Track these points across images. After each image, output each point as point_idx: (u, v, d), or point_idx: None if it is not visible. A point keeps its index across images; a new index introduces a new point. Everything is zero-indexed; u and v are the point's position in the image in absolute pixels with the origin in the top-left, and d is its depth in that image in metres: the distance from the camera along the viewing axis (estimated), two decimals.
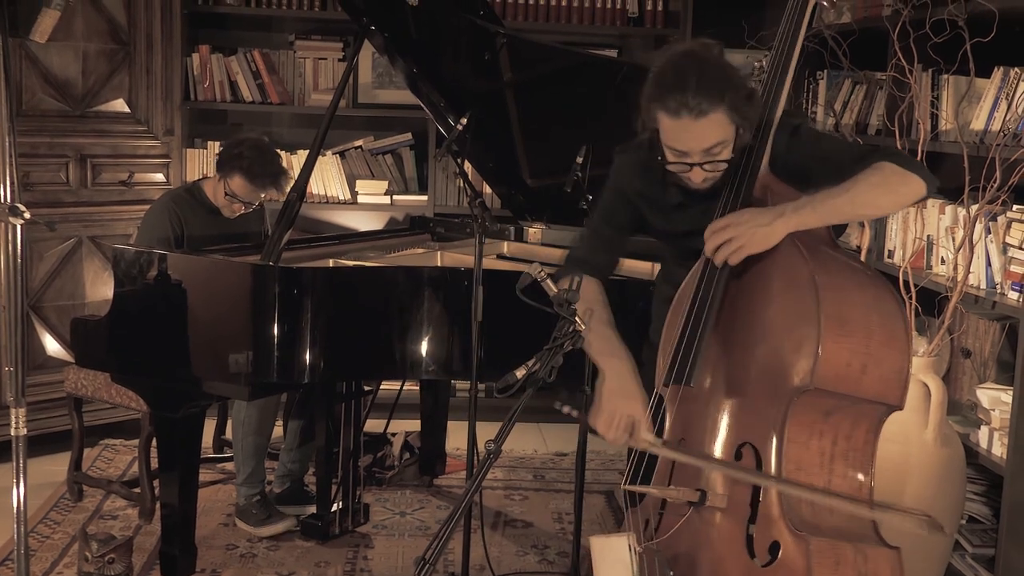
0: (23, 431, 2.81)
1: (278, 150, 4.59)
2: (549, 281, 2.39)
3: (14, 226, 2.77)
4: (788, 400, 2.20)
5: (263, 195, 4.31)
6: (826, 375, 2.18)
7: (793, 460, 2.21)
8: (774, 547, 2.18)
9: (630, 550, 2.42)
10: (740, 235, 2.30)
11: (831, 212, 2.33)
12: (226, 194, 4.23)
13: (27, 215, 2.76)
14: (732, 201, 2.42)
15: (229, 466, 4.60)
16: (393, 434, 4.92)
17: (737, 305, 2.36)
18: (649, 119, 2.42)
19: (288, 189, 3.95)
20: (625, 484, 2.48)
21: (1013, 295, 3.39)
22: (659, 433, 2.46)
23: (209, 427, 4.66)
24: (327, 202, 5.58)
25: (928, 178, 2.37)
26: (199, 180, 4.50)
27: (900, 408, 2.27)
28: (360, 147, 5.69)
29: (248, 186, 4.21)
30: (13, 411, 2.79)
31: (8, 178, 2.76)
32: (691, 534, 2.34)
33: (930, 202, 3.85)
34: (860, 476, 2.27)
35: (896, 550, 2.22)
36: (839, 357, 2.19)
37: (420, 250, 4.60)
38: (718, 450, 2.33)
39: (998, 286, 3.49)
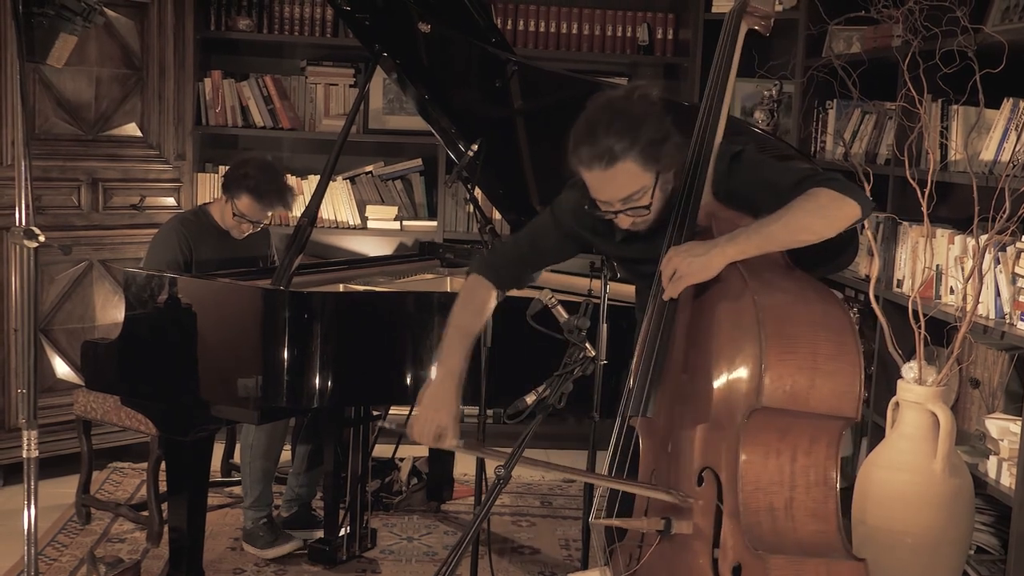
0: (35, 453, 2.82)
1: (288, 175, 4.60)
2: (559, 307, 2.41)
3: (28, 249, 2.78)
4: (739, 421, 2.23)
5: (271, 213, 4.33)
6: (773, 393, 2.20)
7: (751, 480, 2.24)
8: (736, 569, 2.21)
9: None
10: (679, 266, 2.35)
11: (767, 240, 2.35)
12: (234, 215, 4.25)
13: (42, 238, 2.79)
14: (677, 232, 2.46)
15: (237, 490, 4.60)
16: (401, 459, 4.92)
17: (690, 335, 2.41)
18: (575, 171, 2.47)
19: (295, 208, 3.95)
20: (592, 518, 2.51)
21: (1022, 325, 3.39)
22: (634, 467, 2.50)
23: (217, 451, 4.66)
24: (337, 227, 5.60)
25: (863, 201, 2.40)
26: (205, 204, 4.52)
27: (856, 420, 2.29)
28: (370, 172, 5.71)
29: (256, 205, 4.23)
30: (25, 433, 2.81)
31: (23, 201, 2.79)
32: (663, 564, 2.38)
33: (939, 232, 3.86)
34: (824, 490, 2.29)
35: (862, 562, 2.24)
36: (785, 374, 2.21)
37: (429, 276, 4.61)
38: (683, 477, 2.37)
39: (1007, 316, 3.49)
